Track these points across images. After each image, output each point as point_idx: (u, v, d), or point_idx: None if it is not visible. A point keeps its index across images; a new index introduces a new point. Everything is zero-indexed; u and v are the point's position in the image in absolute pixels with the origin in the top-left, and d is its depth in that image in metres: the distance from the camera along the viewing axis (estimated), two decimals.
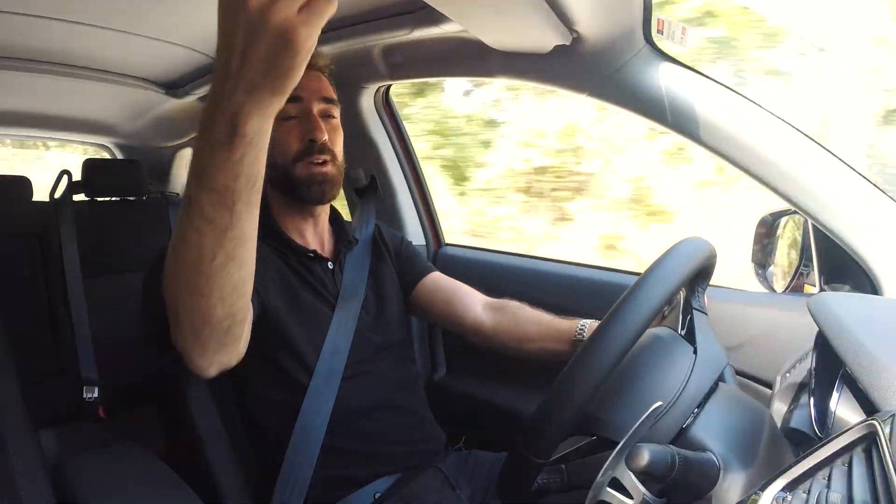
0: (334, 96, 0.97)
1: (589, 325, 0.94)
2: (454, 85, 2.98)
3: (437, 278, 1.10)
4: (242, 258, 0.56)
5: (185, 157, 2.34)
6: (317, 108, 0.93)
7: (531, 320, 1.01)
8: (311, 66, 0.96)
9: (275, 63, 0.44)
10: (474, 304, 1.05)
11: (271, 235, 0.95)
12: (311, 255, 0.97)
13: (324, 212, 1.02)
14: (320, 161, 0.92)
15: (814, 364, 0.60)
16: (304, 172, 0.92)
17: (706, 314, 0.74)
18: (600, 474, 0.54)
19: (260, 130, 0.48)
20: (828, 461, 0.41)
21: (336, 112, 0.97)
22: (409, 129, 1.52)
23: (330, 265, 0.99)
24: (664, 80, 0.90)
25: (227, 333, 0.64)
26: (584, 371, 0.55)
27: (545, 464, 0.57)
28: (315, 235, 1.00)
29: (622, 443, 0.53)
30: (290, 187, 0.93)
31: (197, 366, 0.67)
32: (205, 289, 0.57)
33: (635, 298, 0.57)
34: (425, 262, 1.14)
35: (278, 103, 0.47)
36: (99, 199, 1.95)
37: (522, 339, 1.00)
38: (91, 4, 1.11)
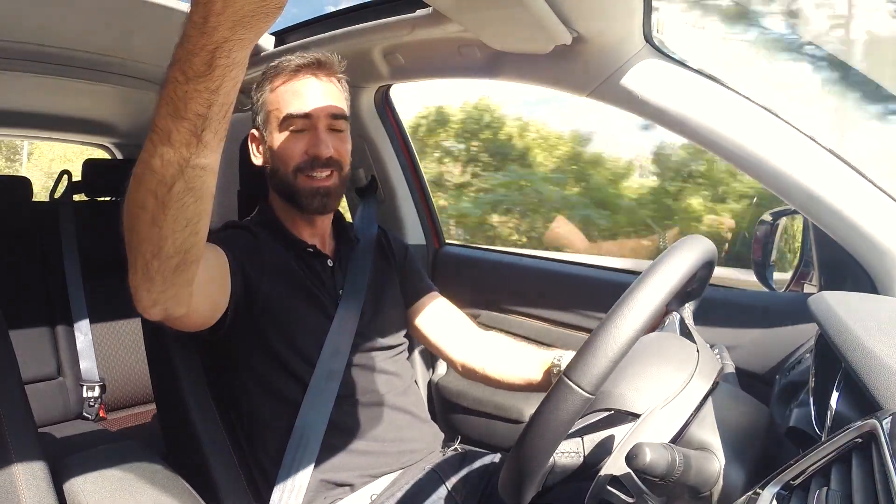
0: (344, 111, 0.96)
1: (564, 355, 0.92)
2: None
3: (435, 303, 1.10)
4: (201, 191, 0.56)
5: None
6: (324, 123, 0.93)
7: (512, 357, 1.00)
8: (326, 73, 0.95)
9: (263, 6, 0.45)
10: (464, 340, 1.05)
11: (271, 228, 0.95)
12: (311, 249, 0.97)
13: (326, 215, 1.02)
14: (323, 175, 0.93)
15: (814, 363, 0.60)
16: (305, 184, 0.92)
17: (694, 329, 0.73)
18: (603, 470, 0.54)
19: (239, 61, 0.49)
20: (828, 460, 0.41)
21: (345, 125, 0.97)
22: None
23: (329, 262, 0.99)
24: (664, 79, 0.90)
25: (175, 271, 0.62)
26: (631, 310, 0.52)
27: (591, 396, 0.53)
28: (315, 234, 1.00)
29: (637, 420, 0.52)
30: (291, 196, 0.94)
31: (142, 303, 0.66)
32: (159, 217, 0.56)
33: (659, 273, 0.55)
34: (427, 281, 1.14)
35: (258, 37, 0.48)
36: (99, 199, 1.95)
37: (503, 375, 0.99)
38: (91, 3, 1.11)
